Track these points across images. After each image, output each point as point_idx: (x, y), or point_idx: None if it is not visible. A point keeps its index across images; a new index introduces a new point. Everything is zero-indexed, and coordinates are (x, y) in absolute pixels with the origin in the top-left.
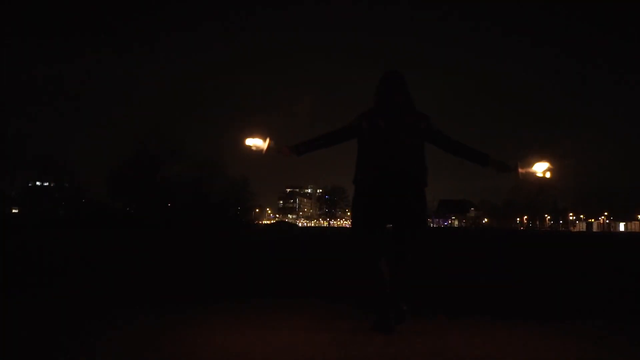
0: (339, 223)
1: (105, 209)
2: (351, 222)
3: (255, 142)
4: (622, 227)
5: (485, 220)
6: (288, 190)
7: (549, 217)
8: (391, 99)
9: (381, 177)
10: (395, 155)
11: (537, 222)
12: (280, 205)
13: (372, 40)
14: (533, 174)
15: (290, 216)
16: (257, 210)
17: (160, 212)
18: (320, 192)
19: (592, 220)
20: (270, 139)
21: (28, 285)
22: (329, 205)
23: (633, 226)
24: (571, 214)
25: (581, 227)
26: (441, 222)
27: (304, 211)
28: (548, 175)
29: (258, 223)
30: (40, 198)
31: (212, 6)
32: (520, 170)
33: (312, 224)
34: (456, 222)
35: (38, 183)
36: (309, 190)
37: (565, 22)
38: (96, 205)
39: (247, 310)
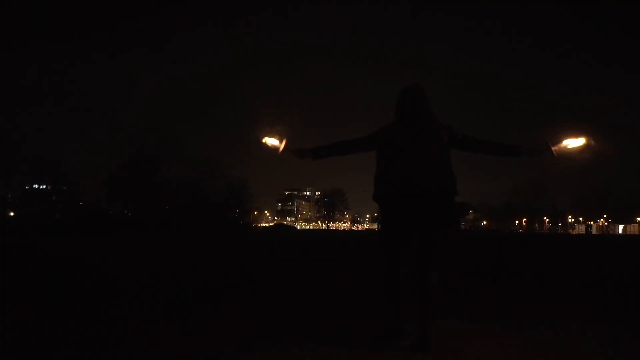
0: (337, 226)
1: (102, 211)
2: (381, 238)
3: (273, 142)
4: (620, 229)
5: (484, 222)
6: (286, 192)
7: (547, 220)
8: (414, 112)
9: (410, 192)
10: (424, 169)
11: (536, 225)
12: (279, 207)
13: (372, 41)
14: (568, 151)
15: (288, 219)
16: (255, 212)
17: (159, 214)
18: (318, 195)
19: (591, 222)
20: (286, 140)
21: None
22: (327, 208)
23: (632, 228)
24: (570, 217)
25: (580, 229)
26: None
27: (302, 214)
28: (584, 149)
29: (257, 226)
30: (37, 201)
31: (211, 7)
32: (553, 148)
33: (311, 227)
34: None
35: (35, 186)
36: (308, 193)
37: (561, 20)
38: (94, 208)
39: None
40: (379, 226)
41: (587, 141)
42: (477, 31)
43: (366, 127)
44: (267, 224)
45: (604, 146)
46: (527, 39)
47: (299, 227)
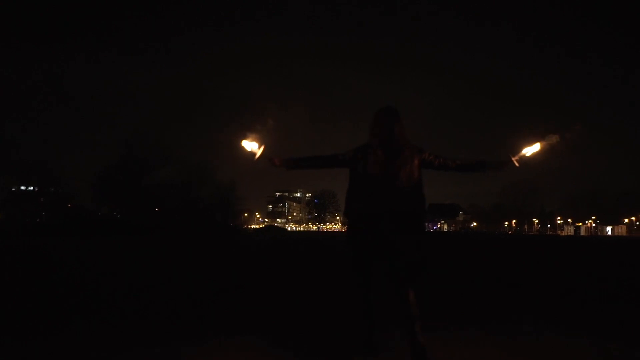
0: (328, 227)
1: (90, 214)
2: (350, 254)
3: (252, 146)
4: (609, 230)
5: (474, 224)
6: (277, 194)
7: (537, 221)
8: (388, 134)
9: (379, 213)
10: (394, 192)
11: (526, 227)
12: (269, 209)
13: (364, 42)
14: (528, 157)
15: (279, 220)
16: (245, 214)
17: (148, 217)
18: (309, 196)
19: (580, 224)
20: (265, 147)
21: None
22: (318, 210)
23: (620, 230)
24: (559, 218)
25: (569, 231)
26: (430, 226)
27: (293, 215)
28: (545, 151)
29: (247, 227)
30: (24, 203)
31: (202, 10)
32: (514, 158)
33: (302, 228)
34: (445, 226)
35: (22, 188)
36: (298, 194)
37: (548, 18)
38: (82, 210)
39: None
40: (348, 243)
41: (542, 145)
42: (473, 30)
43: (357, 128)
44: (257, 226)
45: (568, 145)
46: (519, 37)
47: (289, 228)
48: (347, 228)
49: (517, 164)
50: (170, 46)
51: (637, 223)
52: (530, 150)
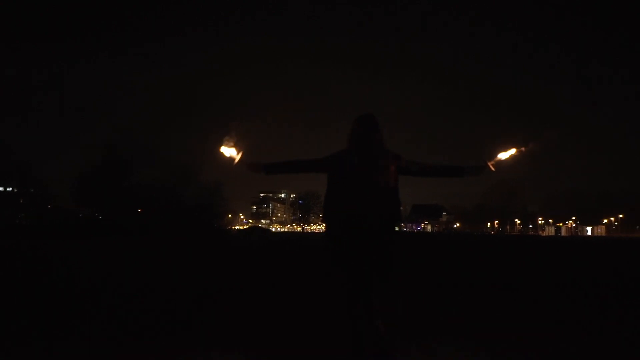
0: (312, 228)
1: (71, 215)
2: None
3: (230, 152)
4: (589, 231)
5: (457, 224)
6: (261, 195)
7: (519, 222)
8: (365, 141)
9: (354, 219)
10: (369, 197)
11: (508, 227)
12: (254, 210)
13: (355, 43)
14: (504, 162)
15: (263, 221)
16: (229, 215)
17: (131, 218)
18: (294, 197)
19: (561, 224)
20: (243, 153)
21: None
22: (302, 210)
23: (599, 230)
24: (540, 219)
25: (550, 231)
26: (414, 226)
27: (277, 216)
28: (519, 157)
29: (231, 228)
30: (2, 204)
31: (190, 12)
32: (490, 163)
33: (286, 229)
34: (429, 227)
35: (1, 189)
36: (283, 195)
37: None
38: (61, 212)
39: None
40: (326, 250)
41: (518, 150)
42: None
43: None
44: (241, 227)
45: (573, 152)
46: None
47: (273, 229)
48: (325, 233)
49: (492, 169)
50: (158, 48)
51: (616, 223)
52: (505, 155)
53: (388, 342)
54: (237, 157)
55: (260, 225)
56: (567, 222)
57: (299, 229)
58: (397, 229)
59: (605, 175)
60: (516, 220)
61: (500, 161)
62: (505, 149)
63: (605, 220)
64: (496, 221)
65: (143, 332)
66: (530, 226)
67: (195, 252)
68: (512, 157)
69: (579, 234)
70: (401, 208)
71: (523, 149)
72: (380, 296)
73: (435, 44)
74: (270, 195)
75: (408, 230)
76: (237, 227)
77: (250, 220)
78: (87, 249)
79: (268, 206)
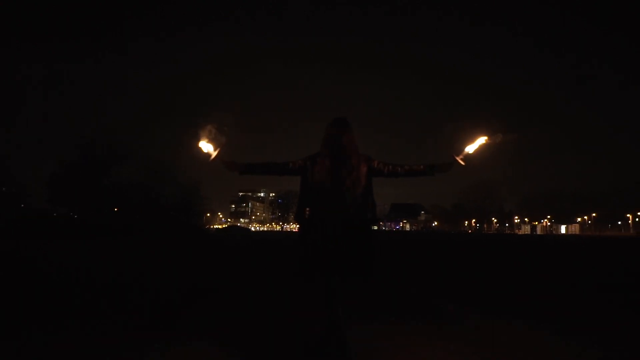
0: (292, 227)
1: (45, 214)
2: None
3: (208, 148)
4: (563, 229)
5: (435, 223)
6: (240, 194)
7: (495, 221)
8: (337, 144)
9: (326, 221)
10: (341, 199)
11: (485, 225)
12: (233, 209)
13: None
14: (472, 154)
15: (242, 220)
16: (208, 214)
17: (107, 217)
18: (273, 196)
19: (536, 223)
20: (220, 151)
21: None
22: (282, 209)
23: (573, 228)
24: (517, 217)
25: (526, 230)
26: (393, 225)
27: (256, 215)
28: (488, 146)
29: (209, 228)
30: None
31: (173, 12)
32: (459, 158)
33: (265, 228)
34: (407, 226)
35: None
36: (262, 194)
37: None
38: (36, 211)
39: None
40: (300, 249)
41: (486, 141)
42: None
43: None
44: (220, 226)
45: (548, 152)
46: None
47: (252, 228)
48: (298, 234)
49: (462, 163)
50: (140, 48)
51: (589, 222)
52: (472, 147)
53: (345, 330)
54: (214, 154)
55: (239, 224)
56: (542, 221)
57: (279, 227)
58: (374, 228)
59: (579, 176)
60: (493, 219)
61: (468, 154)
62: (472, 142)
63: (579, 219)
64: (473, 220)
65: (118, 332)
66: (507, 225)
67: (171, 253)
68: (479, 149)
69: (554, 232)
70: (376, 208)
71: (486, 140)
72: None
73: (435, 44)
74: (250, 194)
75: (387, 229)
76: (215, 226)
77: (229, 219)
78: (60, 250)
79: (247, 205)
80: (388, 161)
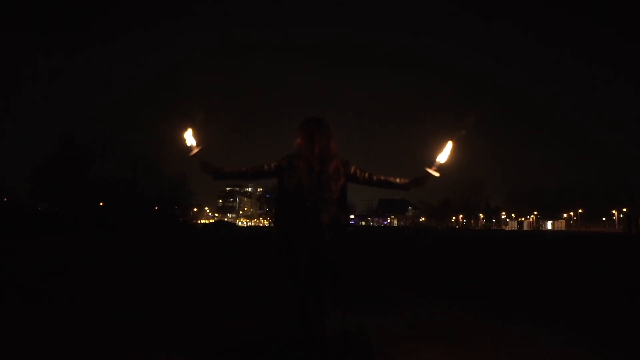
0: None
1: (25, 208)
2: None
3: (191, 141)
4: (549, 225)
5: (423, 219)
6: (228, 188)
7: (482, 216)
8: (311, 144)
9: (301, 224)
10: (315, 202)
11: (472, 221)
12: (220, 204)
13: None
14: (445, 163)
15: (230, 215)
16: (195, 209)
17: (91, 212)
18: (260, 191)
19: (523, 219)
20: (201, 149)
21: None
22: (270, 204)
23: (559, 224)
24: (503, 213)
25: (513, 225)
26: (381, 221)
27: (244, 210)
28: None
29: (195, 223)
30: None
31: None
32: (430, 170)
33: (252, 224)
34: (395, 222)
35: None
36: (249, 189)
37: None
38: (16, 205)
39: None
40: (277, 251)
41: (453, 143)
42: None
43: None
44: (207, 221)
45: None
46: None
47: (240, 224)
48: (276, 237)
49: (437, 174)
50: (127, 40)
51: (575, 218)
52: (443, 155)
53: (330, 341)
54: (195, 150)
55: (226, 219)
56: (528, 217)
57: (266, 223)
58: (363, 223)
59: (564, 172)
60: (480, 215)
61: (440, 163)
62: (440, 150)
63: (565, 215)
64: (461, 216)
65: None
66: (494, 221)
67: (155, 251)
68: (450, 153)
69: (541, 228)
70: (349, 213)
71: (452, 141)
72: (329, 298)
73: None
74: (237, 189)
75: (375, 224)
76: (202, 221)
77: (216, 214)
78: (41, 247)
79: (235, 200)
80: (364, 169)
